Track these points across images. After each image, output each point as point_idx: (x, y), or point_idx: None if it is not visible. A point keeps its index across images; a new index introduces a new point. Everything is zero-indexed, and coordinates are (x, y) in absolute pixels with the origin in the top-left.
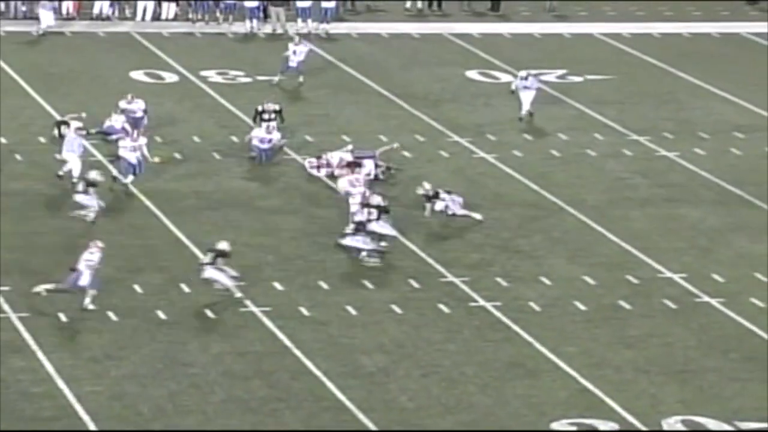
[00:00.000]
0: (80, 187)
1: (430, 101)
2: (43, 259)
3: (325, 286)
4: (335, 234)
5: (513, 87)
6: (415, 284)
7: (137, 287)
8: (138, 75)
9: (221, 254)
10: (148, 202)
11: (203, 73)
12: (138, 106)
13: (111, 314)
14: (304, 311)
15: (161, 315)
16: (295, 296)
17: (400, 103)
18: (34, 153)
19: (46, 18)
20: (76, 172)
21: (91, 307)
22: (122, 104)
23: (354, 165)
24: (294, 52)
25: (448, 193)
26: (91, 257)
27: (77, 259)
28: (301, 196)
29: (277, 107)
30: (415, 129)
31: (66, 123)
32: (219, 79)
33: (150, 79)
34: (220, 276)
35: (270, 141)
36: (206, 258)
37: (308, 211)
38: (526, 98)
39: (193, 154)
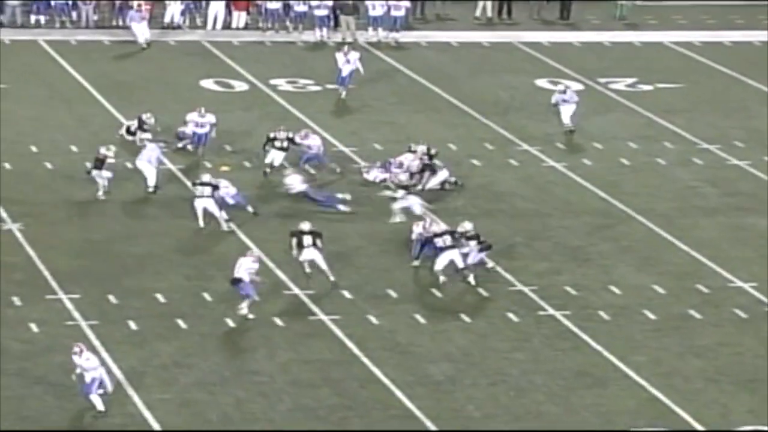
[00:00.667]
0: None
1: (498, 109)
2: (111, 267)
3: (393, 294)
4: (403, 242)
5: (553, 101)
6: (484, 293)
7: (206, 295)
8: (208, 84)
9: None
10: (217, 211)
11: (273, 81)
12: (208, 120)
13: (180, 322)
14: (373, 319)
15: (229, 323)
16: (363, 304)
17: (469, 112)
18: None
19: (141, 31)
20: (151, 182)
21: (249, 315)
22: (193, 117)
23: (429, 168)
24: (348, 61)
25: (477, 241)
26: (252, 266)
27: (233, 269)
28: (369, 204)
29: (289, 134)
30: (484, 137)
31: (139, 128)
32: (289, 87)
33: (220, 87)
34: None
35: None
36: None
37: (376, 218)
38: (566, 112)
39: (261, 162)
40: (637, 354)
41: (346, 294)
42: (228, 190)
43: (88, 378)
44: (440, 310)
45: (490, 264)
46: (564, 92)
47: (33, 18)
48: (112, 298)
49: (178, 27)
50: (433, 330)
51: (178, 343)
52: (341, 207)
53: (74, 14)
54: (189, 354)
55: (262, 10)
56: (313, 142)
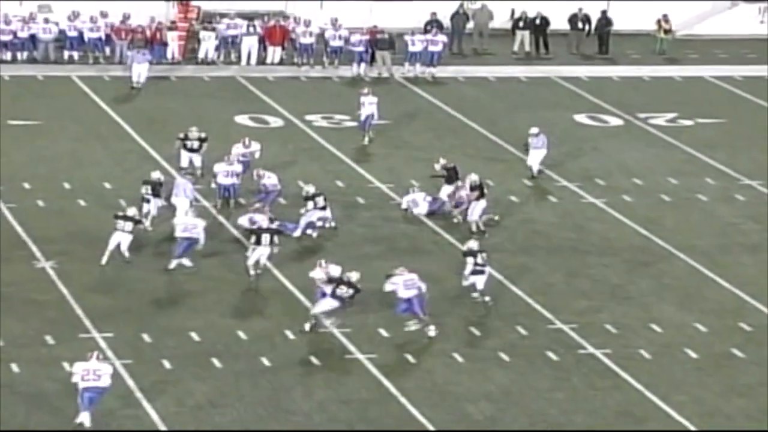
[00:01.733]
0: (144, 190)
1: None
2: (144, 305)
3: (430, 332)
4: (438, 279)
5: (526, 142)
6: (523, 331)
7: (241, 333)
8: (243, 119)
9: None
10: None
11: (308, 117)
12: (255, 148)
13: (215, 360)
14: (410, 358)
15: (265, 361)
16: (401, 343)
17: (507, 147)
18: (138, 198)
19: (140, 71)
20: (180, 212)
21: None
22: (238, 149)
23: (479, 190)
24: (363, 104)
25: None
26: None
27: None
28: (405, 240)
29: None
30: (523, 173)
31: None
32: (324, 123)
33: (255, 123)
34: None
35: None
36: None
37: (413, 255)
38: (535, 157)
39: (297, 199)
40: (678, 393)
41: (383, 332)
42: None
43: (87, 388)
44: (479, 348)
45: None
46: (537, 135)
47: (66, 54)
48: (146, 337)
49: (213, 63)
50: (472, 368)
51: (213, 382)
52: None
53: (107, 50)
54: (224, 394)
55: (297, 44)
56: (269, 182)
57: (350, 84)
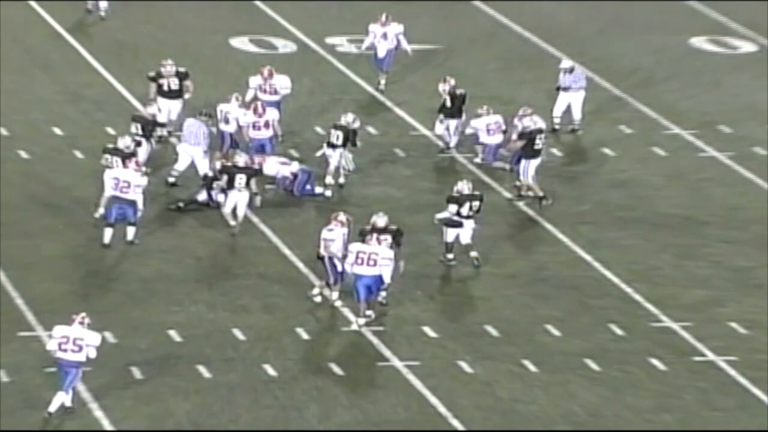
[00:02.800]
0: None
1: (639, 79)
2: (108, 294)
3: (493, 332)
4: (507, 261)
5: (559, 83)
6: (617, 330)
7: (237, 332)
8: (240, 43)
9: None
10: (253, 218)
11: (330, 39)
12: (283, 82)
13: (202, 369)
14: (465, 366)
15: (269, 370)
16: (452, 346)
17: (599, 82)
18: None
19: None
20: (202, 170)
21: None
22: (257, 80)
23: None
24: (384, 36)
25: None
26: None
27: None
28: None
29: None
30: (619, 117)
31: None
32: (352, 48)
33: (257, 48)
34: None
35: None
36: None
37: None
38: (573, 102)
39: (316, 147)
40: None
41: (429, 331)
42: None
43: (63, 361)
44: (557, 354)
45: None
46: (570, 71)
47: None
48: (109, 336)
49: None
50: (548, 381)
51: (198, 398)
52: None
53: None
54: (213, 413)
55: None
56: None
57: None
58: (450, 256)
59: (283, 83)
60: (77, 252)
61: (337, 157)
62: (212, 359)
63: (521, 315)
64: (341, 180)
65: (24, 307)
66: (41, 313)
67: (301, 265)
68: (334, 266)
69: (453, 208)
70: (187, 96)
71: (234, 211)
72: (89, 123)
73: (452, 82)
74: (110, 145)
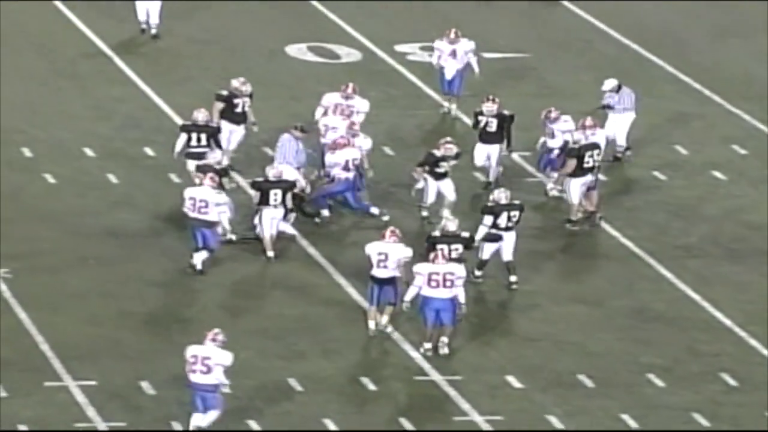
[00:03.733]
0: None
1: (754, 92)
2: (145, 338)
3: (587, 382)
4: (599, 303)
5: (605, 102)
6: (731, 380)
7: (294, 382)
8: (298, 50)
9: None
10: (309, 248)
11: (399, 47)
12: (361, 105)
13: (253, 424)
14: (556, 422)
15: (330, 425)
16: (540, 398)
17: (708, 95)
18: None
19: (148, 6)
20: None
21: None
22: (333, 98)
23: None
24: (453, 54)
25: None
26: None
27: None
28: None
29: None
30: (732, 135)
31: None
32: (424, 56)
33: (317, 57)
34: None
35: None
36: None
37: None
38: (618, 125)
39: (384, 170)
40: None
41: (513, 381)
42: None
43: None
44: (662, 408)
45: None
46: (616, 91)
47: None
48: (146, 387)
49: None
50: None
51: None
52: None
53: None
54: None
55: None
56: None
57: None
58: (478, 273)
59: (361, 106)
60: (108, 289)
61: (434, 191)
62: (265, 413)
63: (620, 362)
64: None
65: (50, 353)
66: (68, 360)
67: (366, 305)
68: (395, 289)
69: (488, 219)
70: (249, 121)
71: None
72: (123, 142)
73: (497, 100)
74: (200, 162)
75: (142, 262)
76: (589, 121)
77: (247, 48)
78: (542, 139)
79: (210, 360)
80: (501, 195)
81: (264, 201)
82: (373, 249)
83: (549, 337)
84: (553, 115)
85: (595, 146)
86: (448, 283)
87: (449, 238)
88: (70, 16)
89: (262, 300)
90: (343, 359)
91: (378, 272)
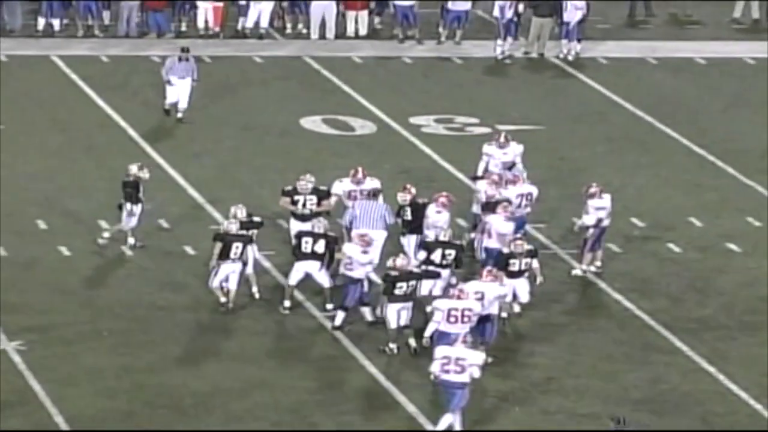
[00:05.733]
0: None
1: None
2: (157, 411)
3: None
4: (612, 376)
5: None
6: None
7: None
8: (312, 123)
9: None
10: (317, 312)
11: (414, 119)
12: (373, 184)
13: None
14: None
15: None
16: None
17: (722, 167)
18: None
19: (179, 91)
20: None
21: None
22: (345, 186)
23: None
24: (503, 148)
25: None
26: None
27: None
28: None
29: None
30: (746, 207)
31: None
32: (439, 129)
33: (331, 129)
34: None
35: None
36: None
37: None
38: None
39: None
40: None
41: None
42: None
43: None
44: None
45: None
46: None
47: (41, 22)
48: None
49: (266, 35)
50: None
51: None
52: None
53: (106, 15)
54: None
55: (394, 7)
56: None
57: (480, 68)
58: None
59: (376, 186)
60: (122, 362)
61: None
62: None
63: None
64: None
65: (64, 425)
66: None
67: (381, 378)
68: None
69: (422, 254)
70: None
71: (224, 286)
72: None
73: (413, 190)
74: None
75: (155, 335)
76: (595, 188)
77: (262, 119)
78: (579, 221)
79: (465, 361)
80: (440, 232)
81: (225, 255)
82: (470, 287)
83: (564, 410)
84: (592, 191)
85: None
86: (466, 319)
87: (443, 243)
88: (86, 90)
89: (276, 372)
90: None
91: None
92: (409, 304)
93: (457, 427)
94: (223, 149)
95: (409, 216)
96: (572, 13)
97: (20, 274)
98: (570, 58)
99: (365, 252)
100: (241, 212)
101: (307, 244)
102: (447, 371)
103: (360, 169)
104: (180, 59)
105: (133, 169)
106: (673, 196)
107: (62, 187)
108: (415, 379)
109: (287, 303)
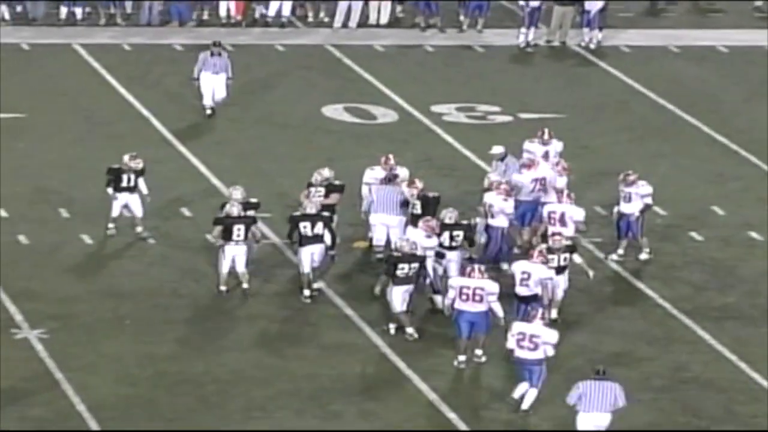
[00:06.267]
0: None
1: None
2: (181, 399)
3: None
4: (636, 364)
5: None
6: None
7: None
8: (334, 111)
9: None
10: (347, 309)
11: (436, 108)
12: (402, 173)
13: None
14: None
15: None
16: None
17: (745, 156)
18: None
19: (214, 85)
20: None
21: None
22: (377, 173)
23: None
24: (545, 156)
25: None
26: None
27: None
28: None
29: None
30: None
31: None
32: (461, 117)
33: (354, 117)
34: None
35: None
36: None
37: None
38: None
39: None
40: None
41: None
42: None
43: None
44: None
45: None
46: (502, 159)
47: (63, 11)
48: None
49: (289, 24)
50: None
51: None
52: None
53: (128, 4)
54: None
55: None
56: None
57: (503, 57)
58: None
59: (402, 175)
60: (144, 350)
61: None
62: None
63: (658, 423)
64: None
65: (86, 413)
66: (105, 421)
67: (402, 365)
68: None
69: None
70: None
71: (231, 270)
72: (160, 202)
73: (420, 184)
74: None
75: (177, 323)
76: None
77: (283, 108)
78: (615, 208)
79: (539, 338)
80: (446, 214)
81: (227, 237)
82: (518, 267)
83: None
84: (631, 178)
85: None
86: (478, 298)
87: (450, 226)
88: (108, 78)
89: (297, 360)
90: (380, 420)
91: (520, 290)
92: (411, 287)
93: (527, 405)
94: (245, 138)
95: (419, 209)
96: (593, 2)
97: (42, 262)
98: (592, 46)
99: (429, 237)
100: (238, 193)
101: (306, 228)
102: (521, 347)
103: (391, 157)
104: (212, 54)
105: (125, 158)
106: (696, 185)
107: (84, 175)
108: (436, 367)
109: (306, 292)
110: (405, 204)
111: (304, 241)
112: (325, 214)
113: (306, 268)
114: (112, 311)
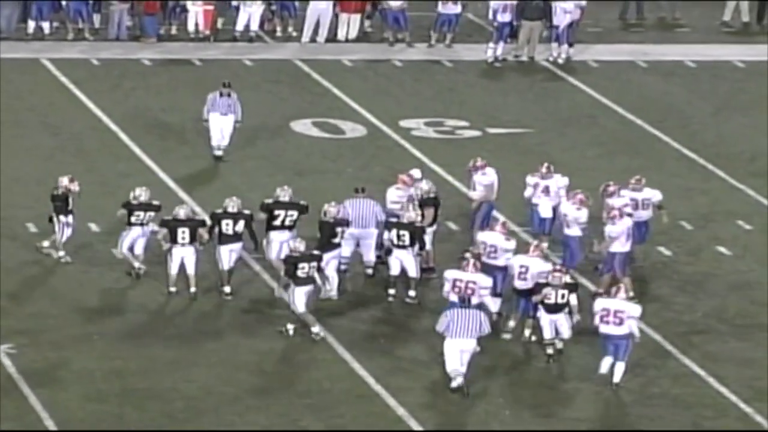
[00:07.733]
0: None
1: (759, 167)
2: (147, 414)
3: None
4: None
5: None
6: None
7: None
8: (303, 126)
9: None
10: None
11: (404, 122)
12: (425, 185)
13: None
14: None
15: None
16: None
17: (712, 170)
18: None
19: (222, 126)
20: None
21: None
22: (399, 193)
23: None
24: (545, 190)
25: None
26: None
27: None
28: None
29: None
30: (737, 210)
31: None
32: (430, 132)
33: (321, 132)
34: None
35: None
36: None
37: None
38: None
39: None
40: None
41: None
42: None
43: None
44: None
45: None
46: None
47: (31, 25)
48: None
49: (257, 38)
50: None
51: None
52: None
53: (96, 18)
54: None
55: (384, 10)
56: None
57: (473, 71)
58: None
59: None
60: (113, 366)
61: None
62: None
63: None
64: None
65: (54, 429)
66: None
67: (371, 381)
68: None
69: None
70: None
71: (180, 272)
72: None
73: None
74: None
75: (145, 339)
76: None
77: (252, 123)
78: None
79: (623, 313)
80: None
81: (173, 239)
82: (516, 261)
83: (556, 415)
84: (611, 189)
85: None
86: (470, 291)
87: (399, 225)
88: (76, 93)
89: (266, 377)
90: None
91: (518, 284)
92: (312, 287)
93: (617, 378)
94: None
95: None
96: (561, 17)
97: (10, 277)
98: (560, 61)
99: (508, 239)
100: (182, 212)
101: (228, 227)
102: (606, 322)
103: (420, 171)
104: (221, 94)
105: (64, 181)
106: (664, 200)
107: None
108: (405, 383)
109: (227, 289)
110: (378, 216)
111: (224, 239)
112: (246, 212)
113: (225, 265)
114: (80, 327)
